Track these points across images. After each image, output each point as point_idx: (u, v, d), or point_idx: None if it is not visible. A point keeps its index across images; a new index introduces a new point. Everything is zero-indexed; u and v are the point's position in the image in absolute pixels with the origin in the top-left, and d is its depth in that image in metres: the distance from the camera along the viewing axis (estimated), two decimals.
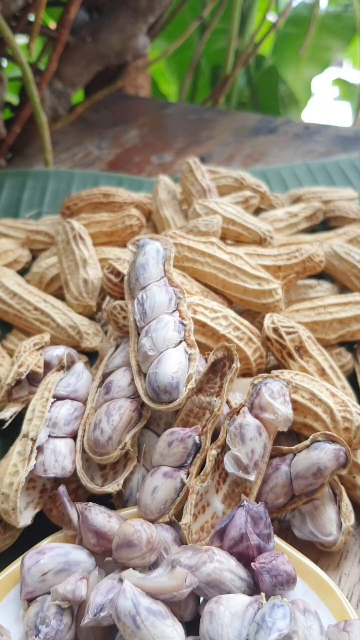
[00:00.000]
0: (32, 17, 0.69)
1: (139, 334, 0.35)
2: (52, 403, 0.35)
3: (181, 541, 0.30)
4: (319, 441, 0.32)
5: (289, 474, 0.32)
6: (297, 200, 0.60)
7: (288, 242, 0.51)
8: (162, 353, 0.33)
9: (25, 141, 0.76)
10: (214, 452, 0.32)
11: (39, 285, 0.50)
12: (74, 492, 0.34)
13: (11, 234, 0.56)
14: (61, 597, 0.27)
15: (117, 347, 0.39)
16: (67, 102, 0.78)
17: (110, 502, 0.34)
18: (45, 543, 0.31)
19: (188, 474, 0.32)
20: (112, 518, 0.30)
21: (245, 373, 0.40)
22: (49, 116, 0.75)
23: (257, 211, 0.58)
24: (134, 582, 0.26)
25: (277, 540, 0.31)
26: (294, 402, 0.34)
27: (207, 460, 0.32)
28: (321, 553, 0.33)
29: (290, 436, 0.37)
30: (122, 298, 0.40)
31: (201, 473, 0.32)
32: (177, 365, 0.33)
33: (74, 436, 0.35)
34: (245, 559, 0.29)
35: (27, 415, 0.34)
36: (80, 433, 0.35)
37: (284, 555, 0.28)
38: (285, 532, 0.34)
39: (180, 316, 0.35)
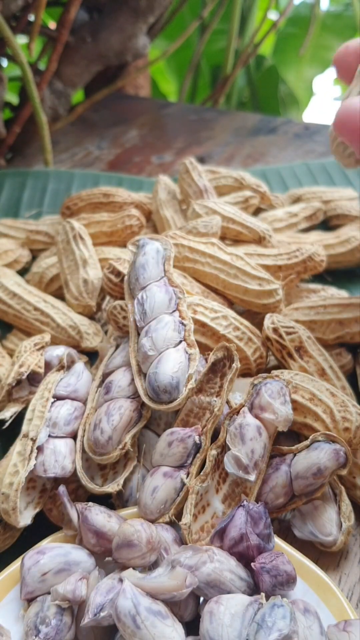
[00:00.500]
0: (32, 17, 0.69)
1: (139, 334, 0.35)
2: (52, 403, 0.35)
3: (181, 541, 0.31)
4: (319, 441, 0.32)
5: (289, 474, 0.32)
6: (297, 200, 0.60)
7: (294, 241, 0.51)
8: (162, 353, 0.33)
9: (25, 141, 0.76)
10: (214, 452, 0.32)
11: (38, 286, 0.50)
12: (74, 492, 0.35)
13: (11, 234, 0.56)
14: (61, 597, 0.27)
15: (117, 347, 0.39)
16: (67, 102, 0.78)
17: (110, 502, 0.34)
18: (45, 543, 0.31)
19: (188, 474, 0.32)
20: (112, 518, 0.30)
21: (245, 373, 0.40)
22: (49, 116, 0.75)
23: (257, 211, 0.58)
24: (134, 582, 0.26)
25: (277, 540, 0.31)
26: (294, 402, 0.35)
27: (207, 460, 0.32)
28: (321, 553, 0.33)
29: (290, 436, 0.37)
30: (122, 298, 0.40)
31: (201, 473, 0.32)
32: (177, 365, 0.33)
33: (74, 436, 0.35)
34: (245, 559, 0.29)
35: (27, 415, 0.35)
36: (80, 433, 0.35)
37: (284, 555, 0.28)
38: (285, 532, 0.34)
39: (180, 316, 0.35)
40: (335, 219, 0.58)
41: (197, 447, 0.32)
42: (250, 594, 0.28)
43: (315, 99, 1.39)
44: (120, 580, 0.27)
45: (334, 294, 0.48)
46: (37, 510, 0.33)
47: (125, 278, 0.39)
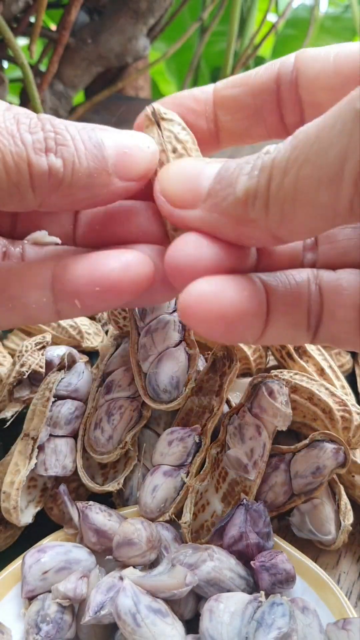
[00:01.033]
0: (32, 19, 0.69)
1: (139, 334, 0.36)
2: (53, 402, 0.35)
3: (181, 540, 0.31)
4: (318, 440, 0.32)
5: (288, 473, 0.32)
6: None
7: None
8: (162, 353, 0.34)
9: None
10: (213, 451, 0.32)
11: None
12: (75, 490, 0.35)
13: None
14: (62, 595, 0.27)
15: (117, 347, 0.39)
16: (67, 104, 0.78)
17: (110, 500, 0.34)
18: (46, 541, 0.31)
19: (188, 473, 0.32)
20: (112, 517, 0.30)
21: (245, 373, 0.40)
22: None
23: None
24: (134, 581, 0.26)
25: (276, 538, 0.31)
26: (293, 401, 0.35)
27: (206, 460, 0.32)
28: (320, 551, 0.34)
29: (290, 435, 0.37)
30: None
31: (201, 472, 0.32)
32: (177, 364, 0.33)
33: (74, 435, 0.35)
34: (244, 557, 0.29)
35: (28, 414, 0.35)
36: (80, 432, 0.35)
37: (283, 554, 0.29)
38: (284, 530, 0.34)
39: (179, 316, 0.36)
40: None
41: (197, 446, 0.33)
42: (250, 592, 0.28)
43: None
44: (121, 578, 0.27)
45: None
46: (38, 508, 0.33)
47: None
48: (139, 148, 0.23)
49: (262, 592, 0.27)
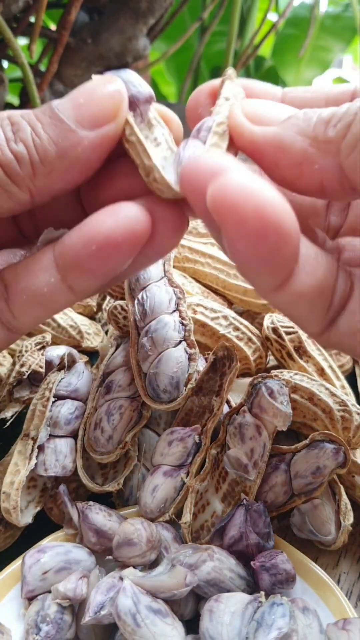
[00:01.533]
0: (32, 19, 0.69)
1: (139, 334, 0.36)
2: (53, 402, 0.35)
3: (181, 540, 0.31)
4: (318, 440, 0.32)
5: (288, 473, 0.32)
6: None
7: None
8: (162, 353, 0.34)
9: None
10: (213, 451, 0.32)
11: None
12: (75, 491, 0.35)
13: None
14: (62, 595, 0.27)
15: (117, 347, 0.39)
16: None
17: (110, 501, 0.34)
18: (46, 542, 0.31)
19: (188, 473, 0.32)
20: (112, 517, 0.30)
21: (245, 373, 0.40)
22: None
23: None
24: (134, 581, 0.26)
25: (276, 539, 0.31)
26: (293, 401, 0.35)
27: (206, 460, 0.32)
28: (320, 552, 0.34)
29: (290, 435, 0.37)
30: (123, 298, 0.41)
31: (201, 472, 0.32)
32: (177, 365, 0.33)
33: (74, 435, 0.35)
34: (244, 557, 0.29)
35: (28, 414, 0.35)
36: (80, 432, 0.35)
37: (283, 554, 0.29)
38: (284, 531, 0.34)
39: (180, 316, 0.36)
40: None
41: (197, 447, 0.33)
42: (250, 593, 0.28)
43: None
44: (121, 578, 0.27)
45: None
46: (38, 509, 0.33)
47: None
48: (96, 92, 0.23)
49: (262, 593, 0.27)
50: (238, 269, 0.22)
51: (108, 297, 0.47)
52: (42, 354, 0.40)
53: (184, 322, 0.35)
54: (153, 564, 0.29)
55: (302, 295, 0.21)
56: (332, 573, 0.33)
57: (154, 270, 0.38)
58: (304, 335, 0.40)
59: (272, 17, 1.15)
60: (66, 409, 0.35)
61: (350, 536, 0.34)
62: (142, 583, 0.26)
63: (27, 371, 0.38)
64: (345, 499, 0.33)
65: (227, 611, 0.26)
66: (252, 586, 0.28)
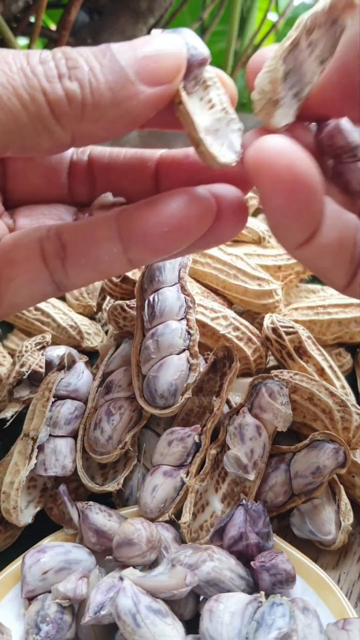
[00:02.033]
0: (32, 19, 0.69)
1: (144, 335, 0.35)
2: (53, 402, 0.35)
3: (181, 540, 0.31)
4: (318, 440, 0.32)
5: (288, 473, 0.32)
6: None
7: None
8: (164, 358, 0.33)
9: None
10: (213, 451, 0.32)
11: None
12: (75, 491, 0.35)
13: None
14: (62, 595, 0.27)
15: (117, 347, 0.39)
16: None
17: (110, 501, 0.34)
18: (46, 542, 0.31)
19: (188, 473, 0.32)
20: (112, 517, 0.30)
21: (245, 373, 0.40)
22: None
23: (257, 212, 0.58)
24: (134, 581, 0.26)
25: (276, 539, 0.31)
26: (293, 402, 0.35)
27: (206, 460, 0.32)
28: (320, 552, 0.34)
29: (290, 436, 0.37)
30: (123, 298, 0.41)
31: (201, 472, 0.32)
32: (178, 372, 0.33)
33: (74, 435, 0.35)
34: (244, 557, 0.29)
35: (28, 414, 0.35)
36: (80, 432, 0.35)
37: (283, 554, 0.29)
38: (284, 531, 0.34)
39: (187, 325, 0.35)
40: None
41: (197, 447, 0.33)
42: (250, 593, 0.28)
43: None
44: (121, 578, 0.27)
45: (333, 294, 0.48)
46: (38, 509, 0.33)
47: (139, 276, 0.39)
48: (160, 49, 0.22)
49: (262, 593, 0.27)
50: (271, 227, 0.23)
51: (108, 297, 0.47)
52: (42, 354, 0.40)
53: (191, 331, 0.35)
54: (153, 564, 0.29)
55: (327, 248, 0.22)
56: (332, 573, 0.33)
57: (170, 274, 0.37)
58: (304, 335, 0.40)
59: (272, 17, 1.15)
60: (66, 409, 0.35)
61: (350, 536, 0.34)
62: (142, 583, 0.26)
63: (27, 371, 0.38)
64: (345, 499, 0.33)
65: (227, 611, 0.26)
66: (252, 586, 0.28)
